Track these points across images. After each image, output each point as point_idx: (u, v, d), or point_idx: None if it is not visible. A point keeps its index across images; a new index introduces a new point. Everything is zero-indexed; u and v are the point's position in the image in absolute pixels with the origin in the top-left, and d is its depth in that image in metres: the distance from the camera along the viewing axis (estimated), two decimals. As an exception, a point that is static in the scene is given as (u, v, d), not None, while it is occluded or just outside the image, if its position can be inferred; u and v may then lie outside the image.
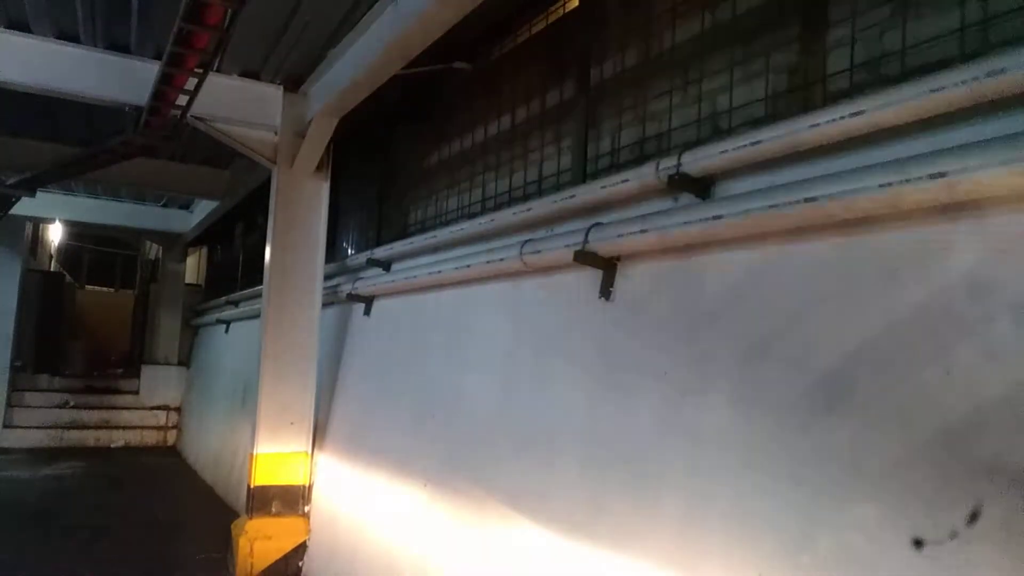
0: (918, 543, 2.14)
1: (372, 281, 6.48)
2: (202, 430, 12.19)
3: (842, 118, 2.55)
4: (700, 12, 3.87)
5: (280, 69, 6.56)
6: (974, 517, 2.03)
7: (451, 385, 5.01)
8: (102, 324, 18.34)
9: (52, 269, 18.26)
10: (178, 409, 14.48)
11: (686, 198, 3.33)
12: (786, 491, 2.56)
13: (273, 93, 6.76)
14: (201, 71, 5.04)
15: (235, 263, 12.78)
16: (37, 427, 13.31)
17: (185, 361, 14.82)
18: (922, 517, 2.15)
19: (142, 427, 14.24)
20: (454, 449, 4.78)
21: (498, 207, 5.37)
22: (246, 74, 6.68)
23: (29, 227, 14.01)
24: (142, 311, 16.11)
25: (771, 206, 2.66)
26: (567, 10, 4.86)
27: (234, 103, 6.62)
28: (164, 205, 13.61)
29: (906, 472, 2.22)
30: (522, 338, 4.35)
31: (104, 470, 11.45)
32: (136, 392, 14.50)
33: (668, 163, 3.26)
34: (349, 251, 8.29)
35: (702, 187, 3.23)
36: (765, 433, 2.69)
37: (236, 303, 11.24)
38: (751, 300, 2.90)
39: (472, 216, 5.66)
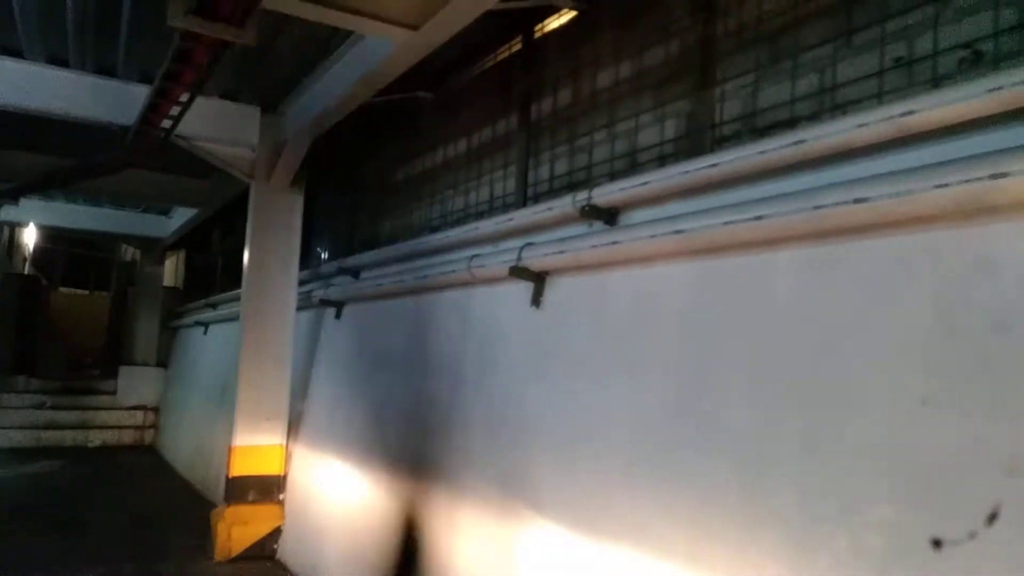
0: (937, 543, 2.17)
1: (342, 288, 7.10)
2: (181, 428, 12.66)
3: (704, 167, 3.24)
4: (617, 63, 4.55)
5: (258, 92, 7.15)
6: (993, 517, 2.05)
7: (410, 382, 5.64)
8: (78, 326, 18.60)
9: (27, 272, 18.51)
10: (156, 409, 14.90)
11: (599, 225, 4.01)
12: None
13: (251, 113, 7.34)
14: (186, 100, 5.61)
15: (213, 267, 13.27)
16: (14, 428, 13.63)
17: (163, 362, 15.24)
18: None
19: (119, 427, 14.63)
20: (409, 439, 5.42)
21: (457, 222, 6.04)
22: (226, 96, 7.25)
23: (6, 231, 14.35)
24: (118, 313, 16.47)
25: (652, 235, 3.35)
26: (512, 52, 5.53)
27: (215, 123, 7.18)
28: (143, 211, 14.04)
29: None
30: (470, 340, 5.00)
31: (83, 468, 11.87)
32: (113, 393, 14.88)
33: (582, 196, 3.94)
34: (323, 256, 8.89)
35: (610, 216, 3.91)
36: (648, 412, 3.37)
37: (215, 306, 11.74)
38: (641, 309, 3.59)
39: (435, 229, 6.33)
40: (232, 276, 10.77)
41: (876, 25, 3.08)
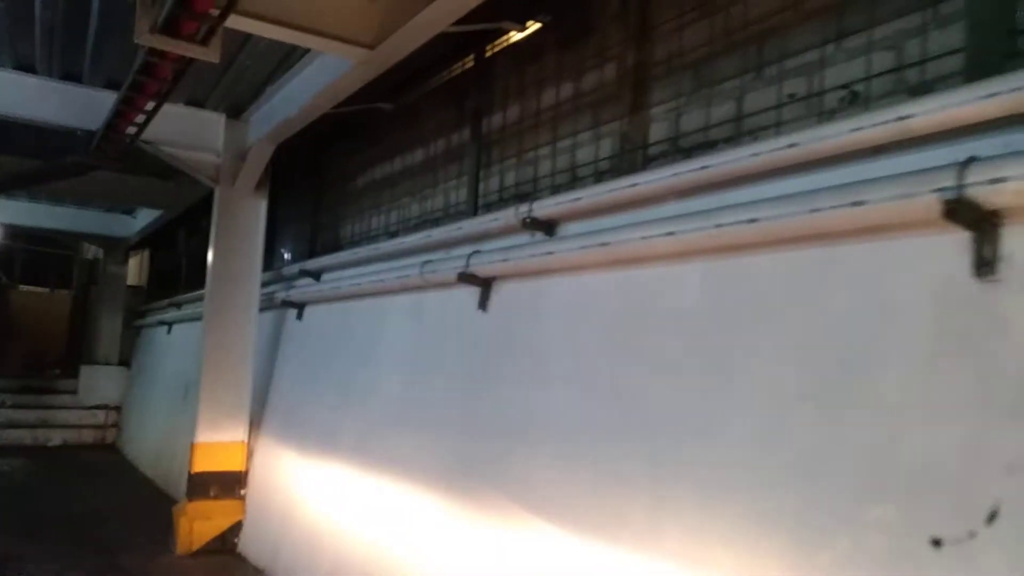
0: (936, 542, 2.17)
1: (304, 289, 7.34)
2: (143, 427, 12.73)
3: (627, 187, 3.60)
4: (561, 83, 4.90)
5: (223, 100, 7.36)
6: (993, 516, 2.06)
7: (366, 379, 5.93)
8: (38, 324, 18.40)
9: (-16, 269, 18.29)
10: (118, 408, 14.89)
11: (540, 235, 4.35)
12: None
13: (216, 120, 7.54)
14: (151, 108, 5.83)
15: (178, 267, 13.36)
16: (-27, 426, 13.56)
17: (126, 361, 15.23)
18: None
19: (80, 426, 14.59)
20: (366, 433, 5.70)
21: (415, 228, 6.34)
22: (192, 103, 7.45)
23: (-35, 229, 14.24)
24: (80, 312, 16.40)
25: (582, 247, 3.69)
26: (465, 69, 5.84)
27: (180, 128, 7.37)
28: (107, 210, 14.04)
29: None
30: (422, 340, 5.31)
31: (43, 467, 11.88)
32: (74, 392, 14.83)
33: (524, 208, 4.28)
34: (287, 258, 9.11)
35: (549, 228, 4.25)
36: (579, 406, 3.72)
37: (179, 305, 11.85)
38: (574, 313, 3.93)
39: (393, 235, 6.62)
40: (197, 276, 10.89)
41: (775, 64, 3.46)
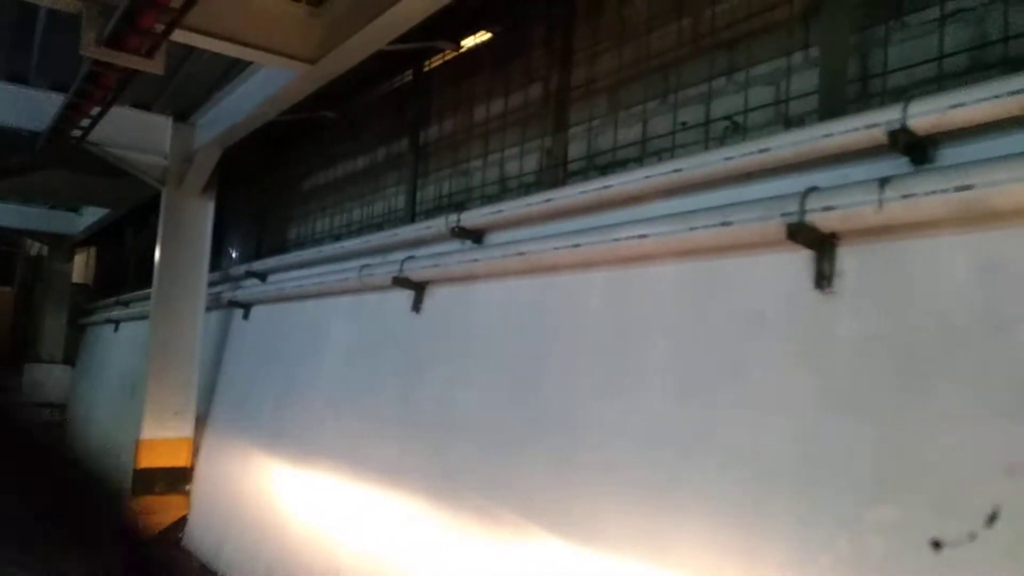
0: (937, 544, 2.19)
1: (250, 290, 7.54)
2: (89, 425, 12.66)
3: (541, 202, 3.96)
4: (492, 100, 5.24)
5: (170, 103, 7.50)
6: (992, 518, 2.08)
7: (309, 377, 6.18)
8: (-22, 322, 18.05)
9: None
10: (63, 407, 14.73)
11: (469, 243, 4.68)
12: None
13: (163, 123, 7.67)
14: (97, 113, 5.97)
15: (125, 264, 13.30)
16: (-89, 425, 13.28)
17: (71, 359, 15.07)
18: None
19: (24, 425, 14.40)
20: (307, 429, 5.96)
21: (358, 232, 6.61)
22: (138, 105, 7.56)
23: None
24: (23, 309, 16.14)
25: (503, 255, 4.03)
26: (405, 82, 6.14)
27: (127, 130, 7.47)
28: (52, 207, 13.89)
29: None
30: (361, 340, 5.59)
31: (-14, 465, 11.74)
32: (18, 389, 14.63)
33: (453, 218, 4.60)
34: (234, 257, 9.26)
35: (476, 237, 4.58)
36: (496, 403, 4.06)
37: (126, 303, 11.83)
38: (495, 316, 4.28)
39: (337, 238, 6.87)
40: (145, 274, 10.87)
41: (674, 93, 3.85)
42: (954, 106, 2.40)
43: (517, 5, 5.10)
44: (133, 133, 7.51)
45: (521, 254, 3.89)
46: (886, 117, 2.55)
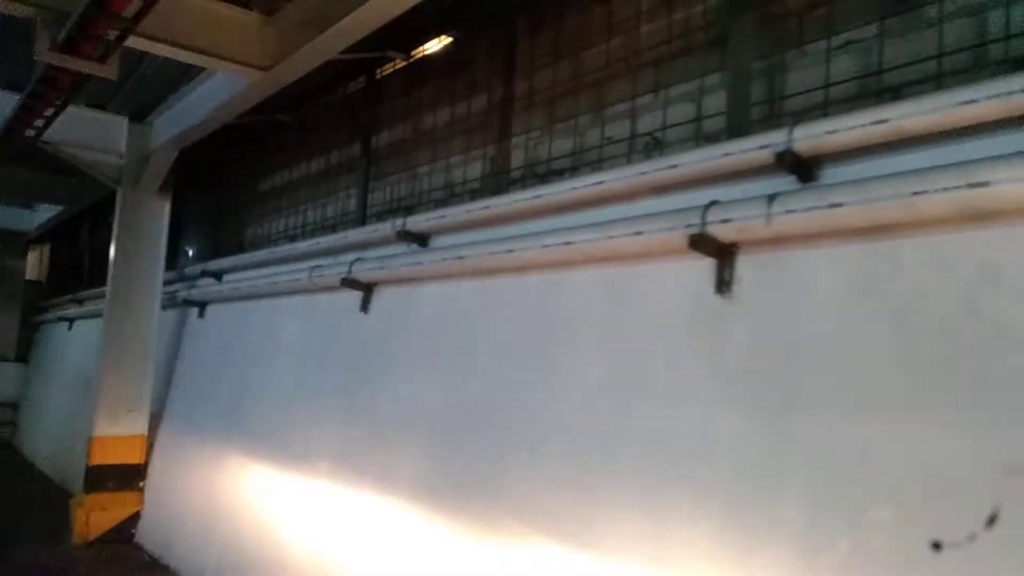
0: (936, 545, 2.19)
1: (205, 289, 7.64)
2: (42, 424, 12.54)
3: (480, 209, 4.20)
4: (440, 109, 5.46)
5: (126, 103, 7.57)
6: (992, 519, 2.09)
7: (262, 374, 6.33)
8: (-72, 318, 17.64)
9: None
10: (15, 405, 14.52)
11: (415, 246, 4.89)
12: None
13: (119, 123, 7.73)
14: (51, 114, 6.04)
15: (81, 262, 13.19)
16: None
17: (23, 357, 14.86)
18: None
19: (-28, 424, 14.17)
20: (260, 425, 6.11)
21: (310, 233, 6.77)
22: (93, 105, 7.61)
23: None
24: (-25, 307, 15.84)
25: (444, 259, 4.26)
26: (358, 88, 6.33)
27: (82, 130, 7.52)
28: (4, 203, 13.70)
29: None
30: (312, 339, 5.77)
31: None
32: (-31, 388, 14.39)
33: (399, 222, 4.82)
34: (190, 255, 9.32)
35: (422, 240, 4.80)
36: (435, 399, 4.29)
37: (81, 301, 11.76)
38: (437, 317, 4.50)
39: (293, 239, 7.03)
40: (101, 272, 10.88)
41: (605, 108, 4.12)
42: (829, 132, 2.70)
43: (465, 19, 5.32)
44: (88, 133, 7.57)
45: (461, 258, 4.13)
46: (775, 140, 2.84)
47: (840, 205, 2.53)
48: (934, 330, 2.39)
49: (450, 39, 5.46)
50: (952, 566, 2.16)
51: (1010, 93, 2.24)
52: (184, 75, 6.68)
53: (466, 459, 3.97)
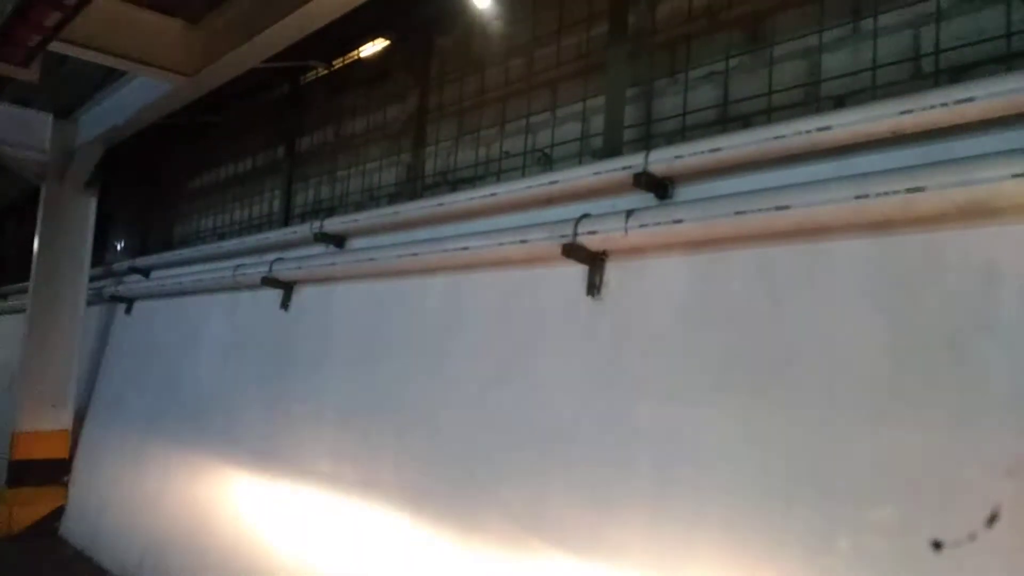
0: (937, 545, 2.20)
1: (133, 285, 7.73)
2: (-38, 421, 12.27)
3: (390, 214, 4.51)
4: (360, 115, 5.75)
5: (51, 100, 7.58)
6: (992, 519, 2.09)
7: (188, 370, 6.51)
8: None
9: None
10: (-67, 402, 14.11)
11: (332, 247, 5.17)
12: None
13: (43, 119, 7.72)
14: (-27, 110, 6.09)
15: (5, 257, 12.92)
16: None
17: (-57, 353, 14.44)
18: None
19: None
20: (184, 418, 6.30)
21: (239, 232, 6.96)
22: (17, 101, 7.60)
23: None
24: None
25: (356, 260, 4.57)
26: (283, 93, 6.56)
27: (5, 126, 7.51)
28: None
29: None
30: (236, 333, 5.99)
31: None
32: None
33: (316, 224, 5.10)
34: (119, 250, 9.34)
35: (339, 241, 5.09)
36: (349, 394, 4.59)
37: (5, 296, 11.56)
38: (349, 314, 4.81)
39: (221, 236, 7.20)
40: (26, 267, 10.73)
41: (507, 123, 4.49)
42: (678, 156, 3.12)
43: (384, 31, 5.62)
44: (11, 129, 7.56)
45: (372, 260, 4.44)
46: (634, 162, 3.25)
47: (681, 221, 2.96)
48: (758, 330, 2.83)
49: (374, 49, 5.74)
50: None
51: (808, 132, 2.69)
52: (110, 75, 6.77)
53: (373, 438, 4.30)
